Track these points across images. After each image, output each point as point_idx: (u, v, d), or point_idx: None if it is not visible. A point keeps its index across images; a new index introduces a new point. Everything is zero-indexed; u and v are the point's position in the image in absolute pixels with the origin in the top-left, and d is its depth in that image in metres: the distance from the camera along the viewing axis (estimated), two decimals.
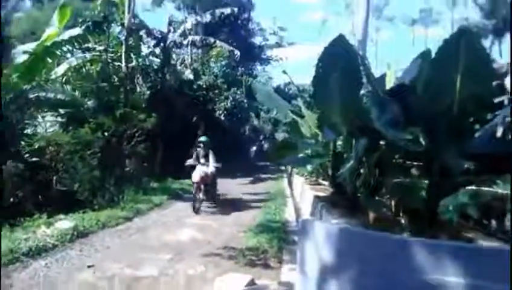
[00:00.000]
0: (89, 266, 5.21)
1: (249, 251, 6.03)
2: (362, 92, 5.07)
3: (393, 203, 4.63)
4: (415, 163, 4.58)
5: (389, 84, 5.09)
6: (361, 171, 5.19)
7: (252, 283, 4.49)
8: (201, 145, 10.33)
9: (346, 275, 3.38)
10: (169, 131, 16.15)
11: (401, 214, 4.41)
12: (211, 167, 9.79)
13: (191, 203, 9.43)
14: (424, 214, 3.93)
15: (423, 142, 3.96)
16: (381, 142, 4.59)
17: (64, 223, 6.76)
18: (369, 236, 3.54)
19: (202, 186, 9.46)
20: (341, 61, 4.25)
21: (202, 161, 10.02)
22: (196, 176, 9.50)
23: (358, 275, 3.34)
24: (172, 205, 10.69)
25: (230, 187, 14.08)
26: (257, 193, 13.41)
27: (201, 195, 9.41)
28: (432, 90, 3.72)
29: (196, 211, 9.06)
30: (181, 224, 8.01)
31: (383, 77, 5.42)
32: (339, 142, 6.61)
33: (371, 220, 4.37)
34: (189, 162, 10.14)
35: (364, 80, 4.51)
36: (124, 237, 6.60)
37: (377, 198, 4.97)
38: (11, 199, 7.98)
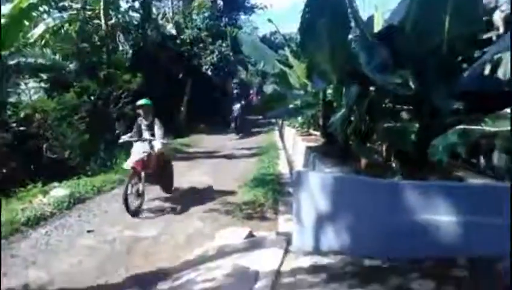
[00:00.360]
0: (88, 231, 5.28)
1: (246, 205, 6.15)
2: (350, 36, 4.96)
3: (384, 148, 4.68)
4: (405, 107, 4.58)
5: (377, 26, 4.96)
6: (352, 119, 5.20)
7: (250, 235, 4.61)
8: (141, 111, 6.93)
9: (341, 221, 3.48)
10: (155, 90, 15.83)
11: (392, 159, 4.47)
12: (158, 143, 6.55)
13: (186, 162, 8.96)
14: (414, 157, 3.99)
15: (412, 85, 3.93)
16: (371, 88, 4.56)
17: (60, 190, 6.78)
18: (361, 182, 3.62)
19: (142, 175, 6.28)
20: (328, 6, 4.11)
21: (145, 134, 6.83)
22: (132, 158, 6.35)
23: (352, 220, 3.45)
24: None
25: (222, 143, 14.10)
26: (250, 147, 13.47)
27: (139, 187, 6.19)
28: (421, 31, 3.64)
29: (132, 214, 5.88)
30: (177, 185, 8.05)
31: (370, 20, 5.28)
32: (329, 91, 6.56)
33: (363, 167, 4.44)
34: (124, 138, 6.86)
35: (352, 23, 4.39)
36: (121, 201, 6.65)
37: (368, 145, 5.01)
38: (3, 170, 7.91)
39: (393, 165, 4.37)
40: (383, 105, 4.78)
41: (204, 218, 5.75)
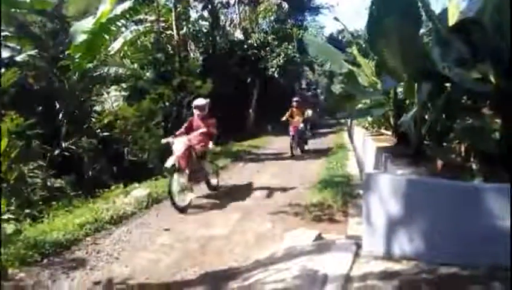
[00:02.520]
0: (165, 230, 5.60)
1: (314, 207, 6.10)
2: (422, 31, 4.73)
3: (462, 148, 4.37)
4: (486, 103, 4.25)
5: (452, 19, 4.66)
6: (426, 117, 4.93)
7: (319, 237, 4.57)
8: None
9: (415, 226, 3.32)
10: (224, 94, 16.38)
11: (471, 159, 4.17)
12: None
13: (255, 164, 9.15)
14: (497, 157, 3.68)
15: (493, 80, 3.64)
16: (447, 85, 4.30)
17: (139, 191, 7.26)
18: (437, 185, 3.42)
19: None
20: (397, 0, 3.96)
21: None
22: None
23: (428, 225, 3.27)
24: (236, 167, 11.00)
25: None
26: (318, 148, 13.33)
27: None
28: (499, 21, 3.36)
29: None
30: (248, 186, 8.23)
31: (444, 12, 4.97)
32: (400, 89, 6.28)
33: (439, 168, 4.19)
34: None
35: (423, 17, 4.18)
36: (195, 200, 6.95)
37: (444, 145, 4.72)
38: (89, 173, 8.69)
39: (474, 166, 4.07)
40: (461, 102, 4.48)
41: (273, 219, 5.82)
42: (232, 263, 4.39)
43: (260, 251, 4.64)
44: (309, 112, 13.56)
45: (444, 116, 4.81)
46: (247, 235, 5.25)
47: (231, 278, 3.97)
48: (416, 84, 4.91)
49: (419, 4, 3.95)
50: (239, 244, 4.96)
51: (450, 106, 4.56)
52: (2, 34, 8.87)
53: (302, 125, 12.39)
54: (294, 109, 12.55)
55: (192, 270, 4.25)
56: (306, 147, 13.13)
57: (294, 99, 12.94)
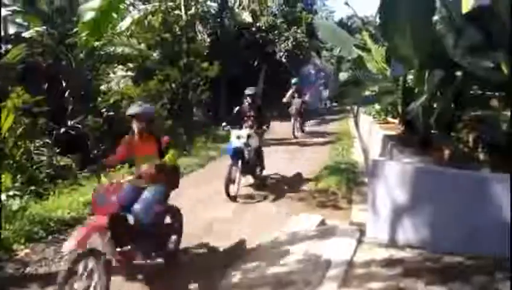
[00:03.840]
0: None
1: (319, 193, 6.11)
2: (435, 18, 4.63)
3: (470, 138, 4.32)
4: (497, 93, 4.18)
5: (466, 7, 4.55)
6: (435, 105, 4.87)
7: (322, 223, 4.58)
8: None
9: (420, 214, 3.31)
10: (231, 77, 16.27)
11: (479, 149, 4.12)
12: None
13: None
14: (505, 148, 3.64)
15: (505, 70, 3.57)
16: (458, 73, 4.23)
17: None
18: (444, 173, 3.40)
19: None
20: None
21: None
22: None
23: (433, 213, 3.26)
24: None
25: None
26: (323, 134, 13.27)
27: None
28: None
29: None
30: None
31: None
32: (410, 77, 6.19)
33: (446, 157, 4.15)
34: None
35: (437, 4, 4.08)
36: (199, 183, 6.97)
37: (452, 134, 4.67)
38: (95, 151, 8.70)
39: (481, 156, 4.03)
40: (472, 91, 4.41)
41: (277, 204, 5.84)
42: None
43: (263, 234, 4.67)
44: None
45: (453, 105, 4.74)
46: (250, 218, 5.30)
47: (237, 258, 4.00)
48: (426, 72, 4.84)
49: None
50: (241, 226, 5.02)
51: (460, 95, 4.49)
52: (10, 8, 8.78)
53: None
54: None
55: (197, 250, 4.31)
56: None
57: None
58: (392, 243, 3.42)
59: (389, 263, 3.07)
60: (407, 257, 3.13)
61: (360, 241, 3.62)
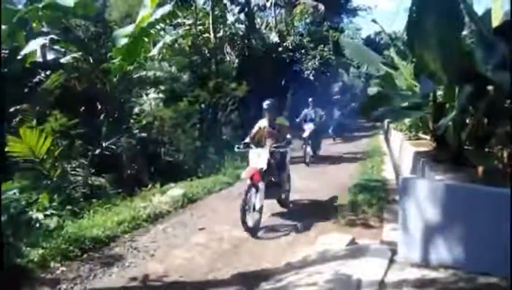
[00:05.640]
0: (200, 229, 5.69)
1: (348, 212, 6.02)
2: (464, 33, 4.57)
3: (505, 154, 4.18)
4: None
5: (496, 21, 4.47)
6: (467, 121, 4.76)
7: (352, 242, 4.51)
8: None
9: (454, 234, 3.22)
10: (259, 97, 16.43)
11: None
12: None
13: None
14: None
15: None
16: (489, 88, 4.13)
17: (175, 191, 7.43)
18: (478, 191, 3.30)
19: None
20: (438, 1, 3.86)
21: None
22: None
23: (467, 233, 3.16)
24: None
25: (323, 148, 13.98)
26: (352, 151, 13.12)
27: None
28: None
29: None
30: None
31: (488, 13, 4.78)
32: (440, 92, 6.09)
33: (480, 174, 4.03)
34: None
35: (466, 19, 4.04)
36: (228, 201, 7.03)
37: (486, 150, 4.53)
38: (128, 171, 8.96)
39: None
40: (504, 106, 4.29)
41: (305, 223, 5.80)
42: (264, 264, 4.42)
43: (292, 253, 4.64)
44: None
45: (485, 120, 4.61)
46: (280, 237, 5.27)
47: (263, 279, 3.99)
48: (457, 87, 4.75)
49: (461, 5, 3.83)
50: (270, 244, 4.99)
51: (492, 110, 4.37)
52: (49, 36, 9.30)
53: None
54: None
55: (225, 270, 4.31)
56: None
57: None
58: (425, 263, 3.32)
59: (422, 283, 2.98)
60: (441, 277, 3.03)
61: (391, 261, 3.54)
